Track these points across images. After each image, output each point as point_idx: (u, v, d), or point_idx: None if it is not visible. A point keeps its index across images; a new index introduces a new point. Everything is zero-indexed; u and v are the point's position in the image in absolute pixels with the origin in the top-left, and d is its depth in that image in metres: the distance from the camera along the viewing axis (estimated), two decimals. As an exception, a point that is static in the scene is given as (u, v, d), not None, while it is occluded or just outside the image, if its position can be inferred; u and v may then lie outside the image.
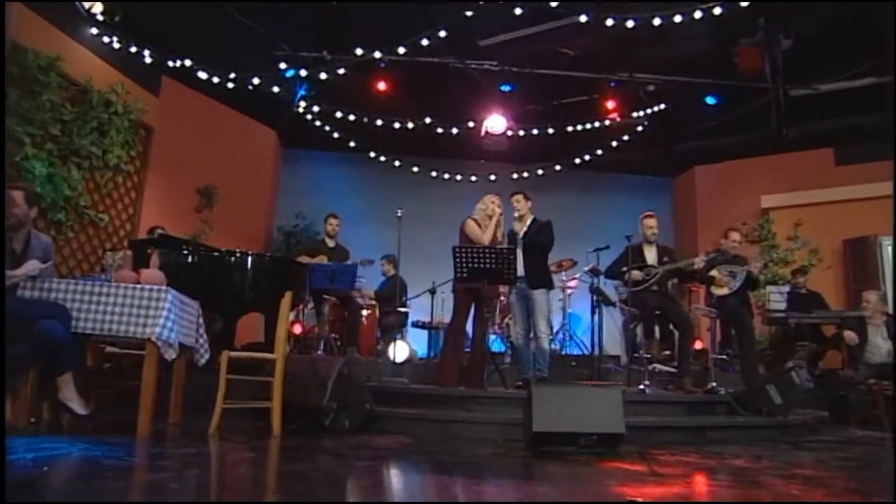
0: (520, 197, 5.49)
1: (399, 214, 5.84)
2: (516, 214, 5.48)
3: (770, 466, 3.26)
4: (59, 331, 3.19)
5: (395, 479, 2.82)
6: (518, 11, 5.88)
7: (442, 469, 3.01)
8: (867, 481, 3.00)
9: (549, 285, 5.29)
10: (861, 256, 8.03)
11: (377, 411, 4.30)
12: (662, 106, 8.26)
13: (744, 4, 5.59)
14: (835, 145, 8.61)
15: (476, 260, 4.90)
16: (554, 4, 5.76)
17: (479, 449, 3.57)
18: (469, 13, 6.00)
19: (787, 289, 7.58)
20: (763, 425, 4.57)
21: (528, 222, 5.42)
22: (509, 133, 8.31)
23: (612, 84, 8.05)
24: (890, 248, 7.86)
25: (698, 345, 7.27)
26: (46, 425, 3.52)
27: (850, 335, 6.18)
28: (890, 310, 7.32)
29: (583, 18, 5.87)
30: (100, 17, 6.30)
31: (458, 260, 4.94)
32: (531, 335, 5.36)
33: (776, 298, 7.36)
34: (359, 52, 6.90)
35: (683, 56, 7.32)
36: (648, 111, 8.33)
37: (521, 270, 5.15)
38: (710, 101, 8.26)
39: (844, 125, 8.07)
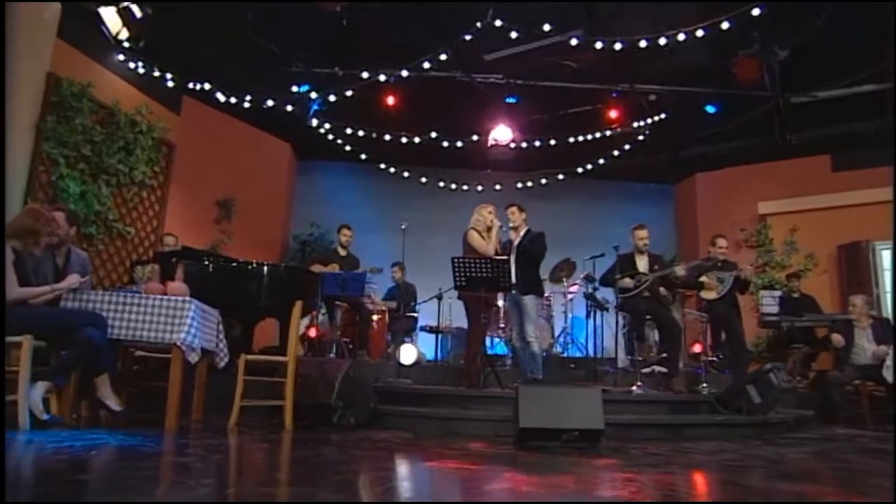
0: (514, 209, 5.79)
1: (403, 227, 6.13)
2: (511, 225, 5.77)
3: (726, 458, 3.56)
4: (98, 337, 3.61)
5: (386, 462, 3.20)
6: (514, 35, 6.21)
7: (429, 457, 3.39)
8: (809, 468, 3.31)
9: (538, 292, 5.60)
10: (855, 261, 8.18)
11: (382, 409, 4.67)
12: (663, 115, 8.46)
13: (725, 26, 5.85)
14: (832, 152, 8.71)
15: (473, 269, 5.26)
16: (547, 28, 6.09)
17: (470, 443, 3.91)
18: (468, 37, 6.35)
19: (779, 293, 7.80)
20: (743, 423, 4.82)
21: (523, 233, 5.73)
22: (513, 144, 8.61)
23: (614, 94, 8.27)
24: (885, 253, 8.04)
25: (697, 348, 7.52)
26: (86, 420, 3.97)
27: (836, 338, 6.42)
28: (883, 313, 7.56)
29: (573, 42, 6.19)
30: (126, 45, 6.75)
31: (456, 270, 5.30)
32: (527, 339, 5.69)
33: (768, 302, 7.58)
34: (365, 74, 7.27)
35: (683, 67, 7.52)
36: (650, 120, 8.53)
37: (513, 278, 5.46)
38: (709, 109, 8.46)
39: (842, 132, 8.19)
